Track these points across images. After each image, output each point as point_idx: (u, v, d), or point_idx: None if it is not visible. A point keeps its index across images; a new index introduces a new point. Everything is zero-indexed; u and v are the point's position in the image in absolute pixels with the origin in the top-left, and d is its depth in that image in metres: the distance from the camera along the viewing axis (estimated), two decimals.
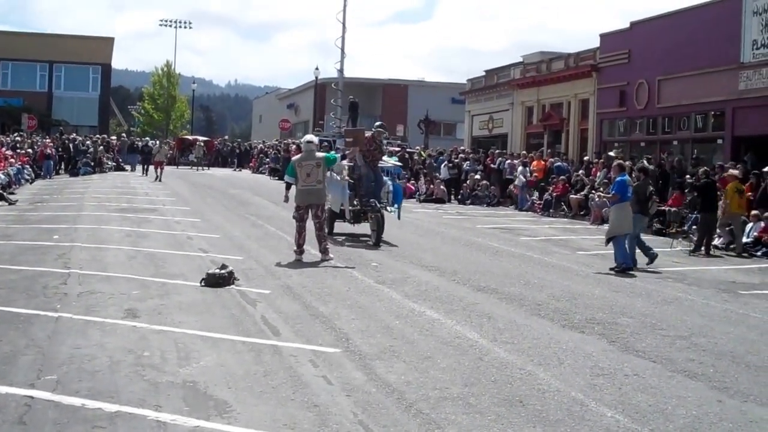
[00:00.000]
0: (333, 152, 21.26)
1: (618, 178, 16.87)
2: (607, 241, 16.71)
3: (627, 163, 20.04)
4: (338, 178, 18.03)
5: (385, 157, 21.82)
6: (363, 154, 18.81)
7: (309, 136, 16.70)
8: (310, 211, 15.59)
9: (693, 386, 8.23)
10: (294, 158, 17.07)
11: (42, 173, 40.12)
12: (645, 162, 20.42)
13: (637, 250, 16.89)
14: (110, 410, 6.78)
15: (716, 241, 20.77)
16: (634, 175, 18.29)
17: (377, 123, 20.65)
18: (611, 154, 30.67)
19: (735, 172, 21.71)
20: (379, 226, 17.70)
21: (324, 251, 15.52)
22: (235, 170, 54.94)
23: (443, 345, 9.38)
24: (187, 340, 9.19)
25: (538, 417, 7.05)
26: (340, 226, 19.29)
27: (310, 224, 15.60)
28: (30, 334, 9.28)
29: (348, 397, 7.40)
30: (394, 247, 17.56)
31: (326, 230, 15.95)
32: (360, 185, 18.61)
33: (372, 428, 6.63)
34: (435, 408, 7.16)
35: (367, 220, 18.36)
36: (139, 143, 52.36)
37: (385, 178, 19.40)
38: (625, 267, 16.09)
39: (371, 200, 18.15)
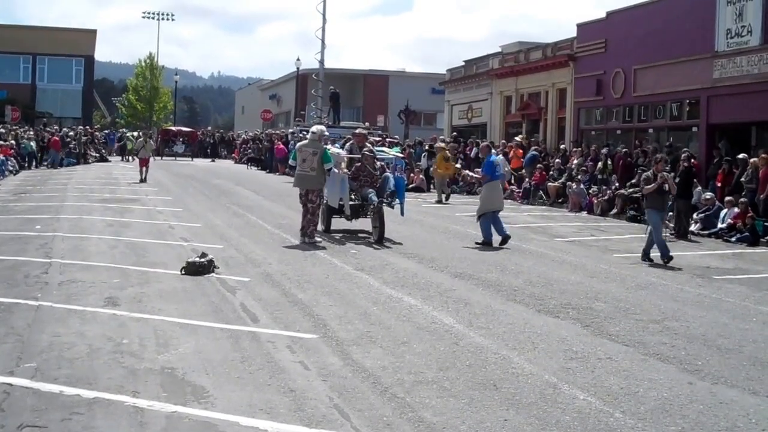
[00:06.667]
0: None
1: (487, 159, 17.55)
2: (478, 217, 17.29)
3: (604, 150, 20.06)
4: (336, 171, 17.49)
5: (385, 148, 21.34)
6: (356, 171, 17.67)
7: (316, 127, 17.75)
8: (309, 195, 16.22)
9: (664, 369, 8.36)
10: (298, 144, 17.82)
11: (47, 163, 42.17)
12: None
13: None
14: (88, 397, 6.85)
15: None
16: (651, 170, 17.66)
17: (365, 149, 18.36)
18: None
19: (442, 144, 29.03)
20: (381, 223, 16.69)
21: (308, 235, 16.08)
22: (226, 158, 55.79)
23: (419, 330, 9.50)
24: (166, 328, 9.26)
25: (511, 400, 7.16)
26: (337, 223, 18.24)
27: None
28: (10, 322, 9.33)
29: (324, 381, 7.49)
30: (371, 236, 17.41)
31: (317, 217, 16.40)
32: (359, 178, 17.48)
33: (347, 412, 6.72)
34: (410, 392, 7.26)
35: (366, 215, 17.38)
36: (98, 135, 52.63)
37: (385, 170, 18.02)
38: (485, 242, 16.92)
39: (372, 195, 16.94)
